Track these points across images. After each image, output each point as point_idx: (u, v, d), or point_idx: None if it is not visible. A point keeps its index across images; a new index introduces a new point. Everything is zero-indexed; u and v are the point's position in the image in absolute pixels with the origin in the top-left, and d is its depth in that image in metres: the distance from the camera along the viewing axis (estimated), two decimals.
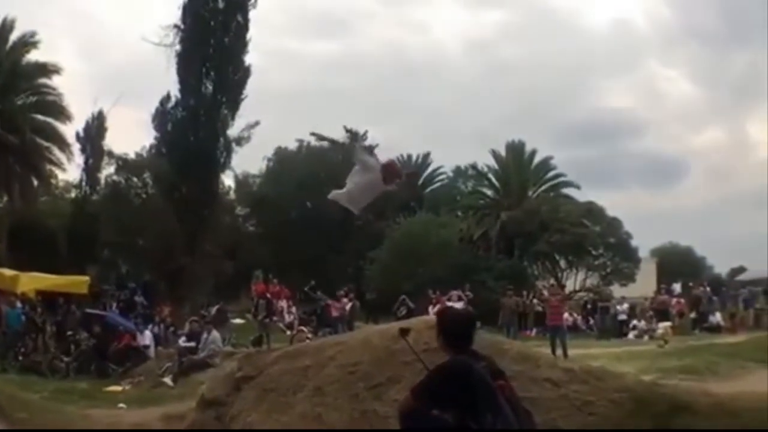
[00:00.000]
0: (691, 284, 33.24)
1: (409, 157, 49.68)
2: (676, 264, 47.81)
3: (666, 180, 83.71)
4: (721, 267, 52.92)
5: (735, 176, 74.97)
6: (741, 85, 70.21)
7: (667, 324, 23.10)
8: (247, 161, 49.86)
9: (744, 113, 77.99)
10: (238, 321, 27.46)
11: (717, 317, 27.66)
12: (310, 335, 18.44)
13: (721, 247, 73.87)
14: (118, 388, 16.17)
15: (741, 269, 44.42)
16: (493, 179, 43.91)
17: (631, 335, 26.37)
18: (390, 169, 7.50)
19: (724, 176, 75.22)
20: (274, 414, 6.25)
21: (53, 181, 37.58)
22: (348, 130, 44.62)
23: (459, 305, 17.90)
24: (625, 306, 29.07)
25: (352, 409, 5.91)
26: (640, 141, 77.82)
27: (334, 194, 7.67)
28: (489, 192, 43.95)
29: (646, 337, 24.65)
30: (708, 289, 31.09)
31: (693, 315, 28.29)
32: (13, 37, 34.01)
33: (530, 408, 5.77)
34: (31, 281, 23.17)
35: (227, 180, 40.09)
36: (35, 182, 35.22)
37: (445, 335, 4.39)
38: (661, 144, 75.96)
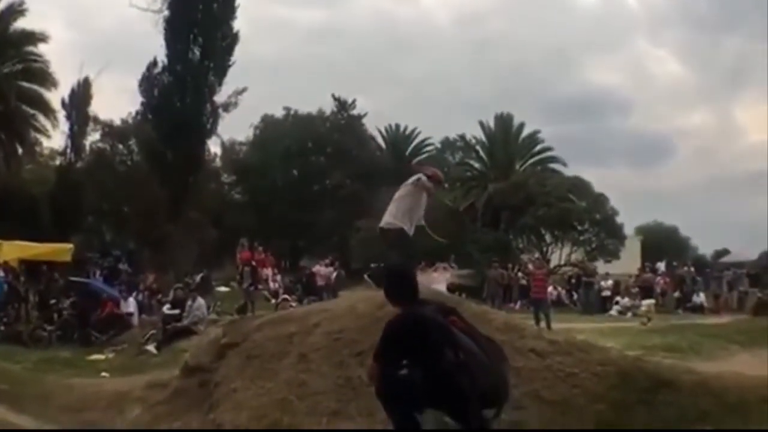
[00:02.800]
0: (675, 263, 33.47)
1: (397, 127, 49.56)
2: (661, 243, 48.07)
3: (651, 159, 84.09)
4: (704, 248, 53.43)
5: (721, 160, 75.70)
6: (730, 70, 70.52)
7: (651, 302, 23.27)
8: (234, 129, 49.63)
9: (732, 98, 78.58)
10: (222, 289, 27.46)
11: (701, 297, 27.93)
12: (294, 304, 18.40)
13: (704, 229, 74.73)
14: (102, 357, 16.10)
15: (725, 251, 44.82)
16: (481, 151, 43.88)
17: (614, 311, 26.58)
18: (435, 179, 8.59)
19: (709, 159, 75.85)
20: (259, 380, 6.23)
21: (38, 148, 37.13)
22: (336, 99, 44.46)
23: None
24: (609, 282, 29.26)
25: (337, 375, 5.91)
26: (627, 119, 78.05)
27: (387, 223, 8.12)
28: (476, 164, 43.93)
29: (629, 314, 24.85)
30: (692, 269, 31.38)
31: (676, 294, 28.55)
32: (1, 6, 33.43)
33: (514, 378, 5.85)
34: (14, 250, 22.99)
35: (213, 147, 39.98)
36: (20, 150, 34.73)
37: (389, 294, 4.58)
38: (648, 123, 76.31)
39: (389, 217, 8.11)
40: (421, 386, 4.18)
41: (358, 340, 6.01)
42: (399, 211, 8.13)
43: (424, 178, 8.40)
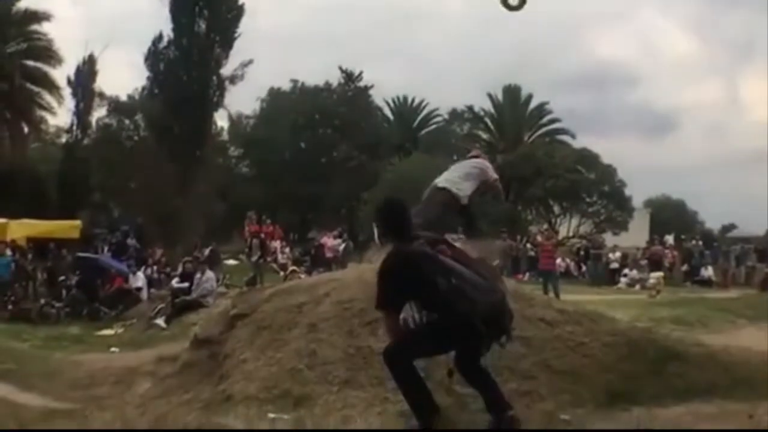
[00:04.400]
0: (683, 237, 33.39)
1: (405, 98, 49.31)
2: (669, 216, 47.89)
3: (659, 133, 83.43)
4: (711, 223, 53.04)
5: (728, 135, 75.03)
6: (738, 44, 69.60)
7: (660, 274, 23.22)
8: (241, 103, 49.39)
9: (739, 73, 77.56)
10: (231, 262, 27.52)
11: (709, 271, 27.90)
12: (303, 275, 18.41)
13: (711, 204, 74.22)
14: (111, 332, 16.20)
15: (732, 226, 44.75)
16: (489, 123, 43.70)
17: (622, 284, 26.56)
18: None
19: (716, 134, 75.18)
20: (268, 351, 6.23)
21: (44, 126, 36.89)
22: (343, 71, 44.22)
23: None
24: (618, 254, 29.19)
25: (347, 345, 5.90)
26: (635, 92, 77.42)
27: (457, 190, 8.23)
28: (485, 135, 43.79)
29: (637, 287, 24.81)
30: (700, 243, 31.31)
31: (684, 268, 28.52)
32: None
33: (524, 348, 5.84)
34: (22, 228, 23.15)
35: (220, 121, 39.85)
36: (25, 129, 34.69)
37: (379, 227, 4.74)
38: (655, 96, 75.63)
39: (453, 186, 8.22)
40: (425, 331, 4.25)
41: (367, 309, 5.98)
42: (465, 186, 8.27)
43: (495, 181, 8.70)
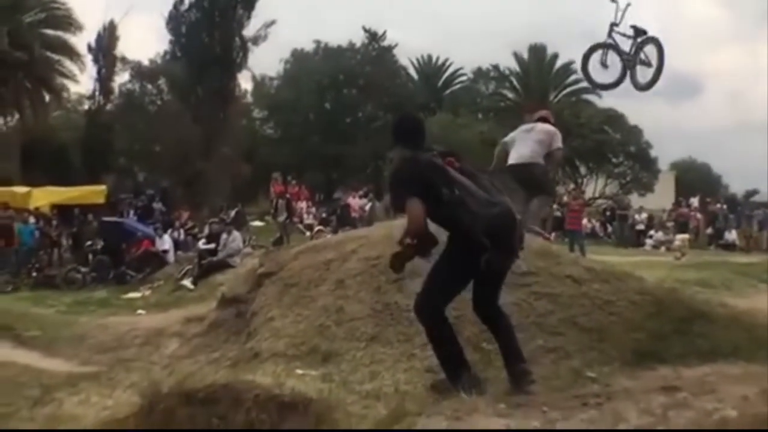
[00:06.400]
0: (708, 200, 33.01)
1: (429, 57, 48.77)
2: (693, 179, 47.29)
3: (684, 96, 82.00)
4: (735, 188, 52.35)
5: (750, 101, 73.63)
6: (762, 10, 67.75)
7: (685, 236, 22.99)
8: (264, 65, 49.20)
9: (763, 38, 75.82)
10: (257, 223, 27.59)
11: (733, 235, 27.60)
12: (329, 235, 18.45)
13: (734, 169, 73.15)
14: (137, 295, 16.30)
15: (754, 192, 44.08)
16: (515, 82, 43.20)
17: (648, 245, 26.36)
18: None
19: (739, 100, 73.84)
20: (296, 308, 6.26)
21: (65, 94, 36.72)
22: (367, 31, 43.77)
23: None
24: (644, 216, 28.90)
25: (375, 301, 5.91)
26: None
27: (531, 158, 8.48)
28: (510, 94, 43.30)
29: (663, 248, 24.61)
30: (725, 206, 30.95)
31: (709, 231, 28.25)
32: None
33: (551, 305, 5.84)
34: (46, 195, 23.32)
35: (244, 83, 39.70)
36: (47, 97, 34.55)
37: (397, 136, 4.58)
38: (682, 60, 74.23)
39: (533, 156, 8.43)
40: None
41: None
42: (538, 152, 8.45)
43: (558, 150, 8.73)
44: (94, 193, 25.17)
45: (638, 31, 8.41)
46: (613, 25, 8.36)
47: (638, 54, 8.37)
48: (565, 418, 3.30)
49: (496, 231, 4.12)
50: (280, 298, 6.59)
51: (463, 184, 4.20)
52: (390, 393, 4.45)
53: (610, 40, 8.40)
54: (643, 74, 8.43)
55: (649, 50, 8.35)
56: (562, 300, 5.88)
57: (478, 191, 4.21)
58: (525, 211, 8.03)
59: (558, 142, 8.59)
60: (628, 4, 8.21)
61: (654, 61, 8.31)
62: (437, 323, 4.28)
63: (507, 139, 8.85)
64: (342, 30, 61.74)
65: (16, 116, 34.22)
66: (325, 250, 7.03)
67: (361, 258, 6.50)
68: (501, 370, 5.00)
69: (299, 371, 5.02)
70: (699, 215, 28.94)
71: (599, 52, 8.43)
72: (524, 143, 8.49)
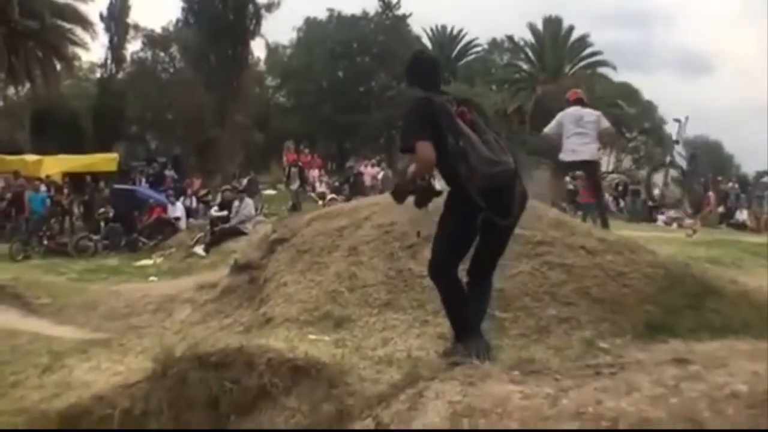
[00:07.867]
0: (720, 179, 32.81)
1: (443, 28, 48.43)
2: (706, 158, 46.99)
3: (696, 74, 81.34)
4: (746, 168, 52.03)
5: (760, 82, 72.94)
6: None
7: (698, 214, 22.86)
8: (277, 33, 48.97)
9: None
10: (269, 192, 27.66)
11: (743, 214, 27.44)
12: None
13: (745, 150, 72.78)
14: (149, 262, 16.29)
15: (766, 173, 43.79)
16: (530, 53, 42.88)
17: (660, 221, 26.27)
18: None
19: (750, 81, 73.17)
20: (309, 274, 6.26)
21: (77, 63, 36.59)
22: None
23: None
24: (657, 191, 28.72)
25: (388, 268, 5.89)
26: (673, 32, 75.75)
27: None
28: (525, 66, 43.02)
29: (674, 225, 24.53)
30: (736, 185, 30.76)
31: (720, 209, 28.11)
32: None
33: (564, 275, 5.82)
34: (57, 164, 23.39)
35: (257, 51, 39.59)
36: (58, 66, 34.34)
37: (410, 75, 4.56)
38: (696, 38, 73.69)
39: (592, 154, 8.78)
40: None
41: (408, 233, 5.97)
42: (593, 149, 8.82)
43: (608, 128, 8.98)
44: (105, 160, 25.26)
45: None
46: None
47: None
48: (578, 386, 3.30)
49: (493, 190, 4.06)
50: (293, 264, 6.58)
51: (469, 138, 4.10)
52: (402, 358, 4.45)
53: None
54: None
55: None
56: (575, 270, 5.85)
57: (482, 147, 4.10)
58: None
59: (605, 122, 8.63)
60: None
61: None
62: (451, 285, 4.26)
63: (553, 129, 9.01)
64: None
65: (27, 85, 34.09)
66: (338, 216, 7.01)
67: (374, 225, 6.47)
68: (515, 338, 5.03)
69: (312, 336, 5.03)
70: (710, 194, 28.77)
71: None
72: (580, 138, 8.68)
